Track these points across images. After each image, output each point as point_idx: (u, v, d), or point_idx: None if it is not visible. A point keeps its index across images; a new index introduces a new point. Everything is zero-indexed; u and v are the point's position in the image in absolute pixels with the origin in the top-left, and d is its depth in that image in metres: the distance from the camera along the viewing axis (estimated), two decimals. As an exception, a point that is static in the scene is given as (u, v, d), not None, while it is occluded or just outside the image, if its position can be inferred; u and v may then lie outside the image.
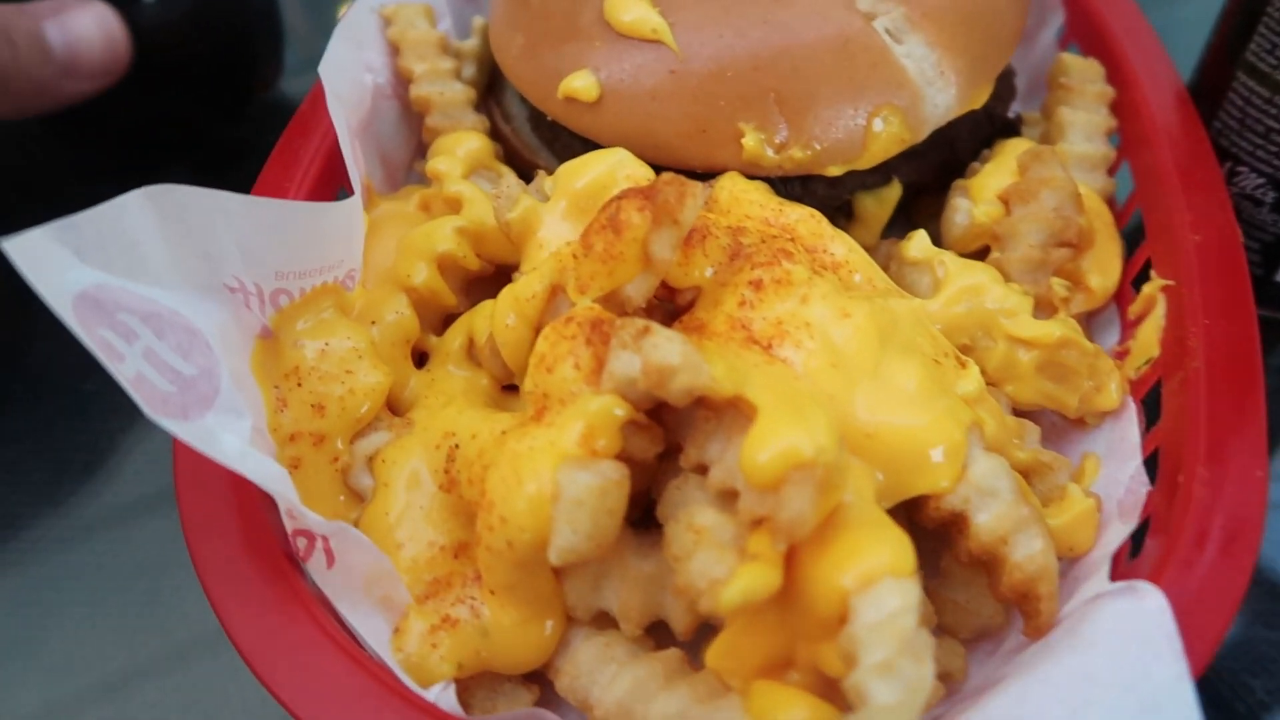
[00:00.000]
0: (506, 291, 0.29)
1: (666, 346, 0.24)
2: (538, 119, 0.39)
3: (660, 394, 0.24)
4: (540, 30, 0.35)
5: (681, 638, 0.26)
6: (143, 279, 0.24)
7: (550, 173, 0.38)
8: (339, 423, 0.27)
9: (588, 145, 0.36)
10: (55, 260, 0.21)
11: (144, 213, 0.24)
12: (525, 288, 0.29)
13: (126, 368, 0.22)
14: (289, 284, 0.28)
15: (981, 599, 0.27)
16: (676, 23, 0.32)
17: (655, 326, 0.25)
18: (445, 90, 0.37)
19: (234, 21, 0.41)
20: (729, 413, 0.25)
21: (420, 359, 0.32)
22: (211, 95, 0.39)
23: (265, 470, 0.23)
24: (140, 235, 0.24)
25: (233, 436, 0.23)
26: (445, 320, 0.33)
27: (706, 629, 0.26)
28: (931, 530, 0.27)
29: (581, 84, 0.33)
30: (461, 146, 0.36)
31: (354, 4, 0.37)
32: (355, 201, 0.29)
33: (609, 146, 0.34)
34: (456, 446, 0.27)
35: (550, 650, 0.26)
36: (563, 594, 0.25)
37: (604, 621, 0.26)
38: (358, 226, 0.30)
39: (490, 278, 0.33)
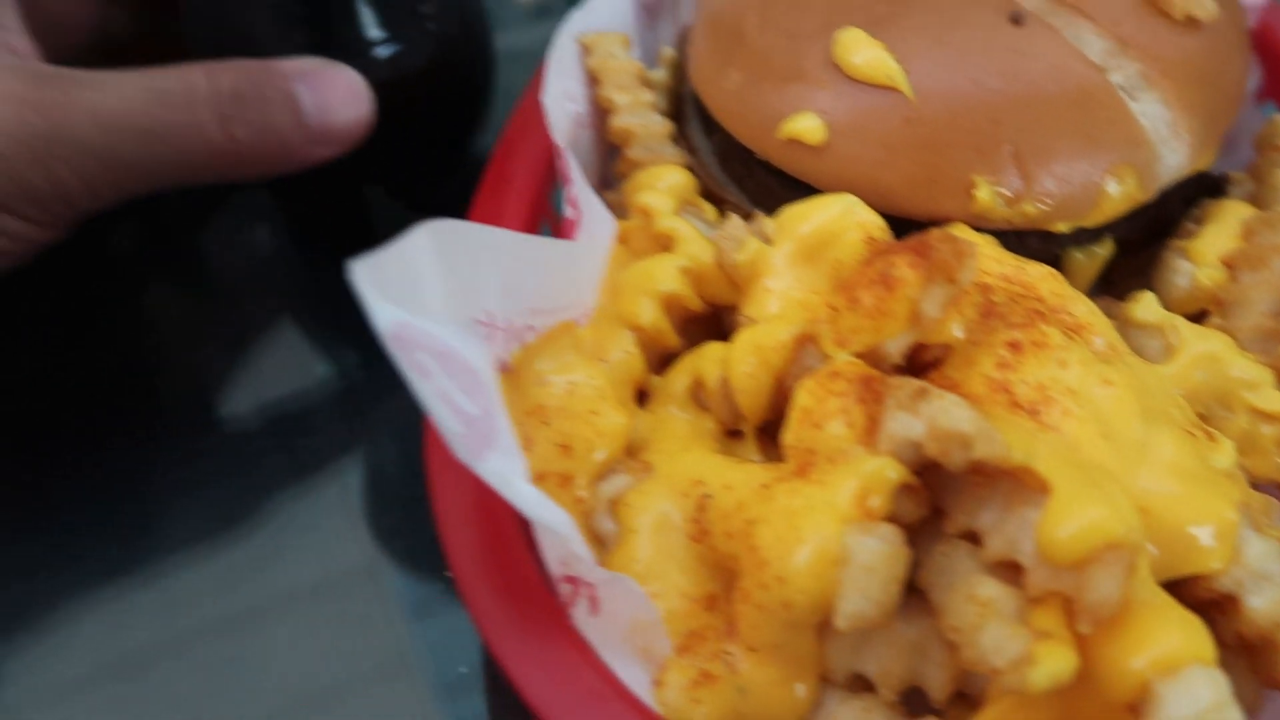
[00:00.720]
0: (746, 338, 0.29)
1: (955, 413, 0.23)
2: (728, 154, 0.38)
3: (943, 460, 0.23)
4: (760, 68, 0.34)
5: (937, 705, 0.25)
6: (427, 315, 0.23)
7: (738, 208, 0.38)
8: (583, 464, 0.27)
9: (786, 184, 0.36)
10: (373, 296, 0.21)
11: (427, 248, 0.24)
12: (768, 336, 0.28)
13: (431, 407, 0.21)
14: (537, 320, 0.28)
15: (1241, 680, 0.26)
16: (911, 69, 0.32)
17: (931, 388, 0.24)
18: (647, 123, 0.37)
19: (467, 73, 0.41)
20: (1006, 481, 0.24)
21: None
22: (433, 151, 0.39)
23: (557, 517, 0.22)
24: (423, 271, 0.24)
25: (521, 482, 0.23)
26: (660, 359, 0.32)
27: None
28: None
29: (806, 126, 0.33)
30: (663, 180, 0.36)
31: (561, 30, 0.37)
32: (607, 242, 0.29)
33: (826, 190, 0.33)
34: (708, 496, 0.26)
35: (805, 711, 0.25)
36: (822, 655, 0.25)
37: (857, 684, 0.26)
38: (603, 267, 0.30)
39: (704, 317, 0.33)
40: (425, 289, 0.24)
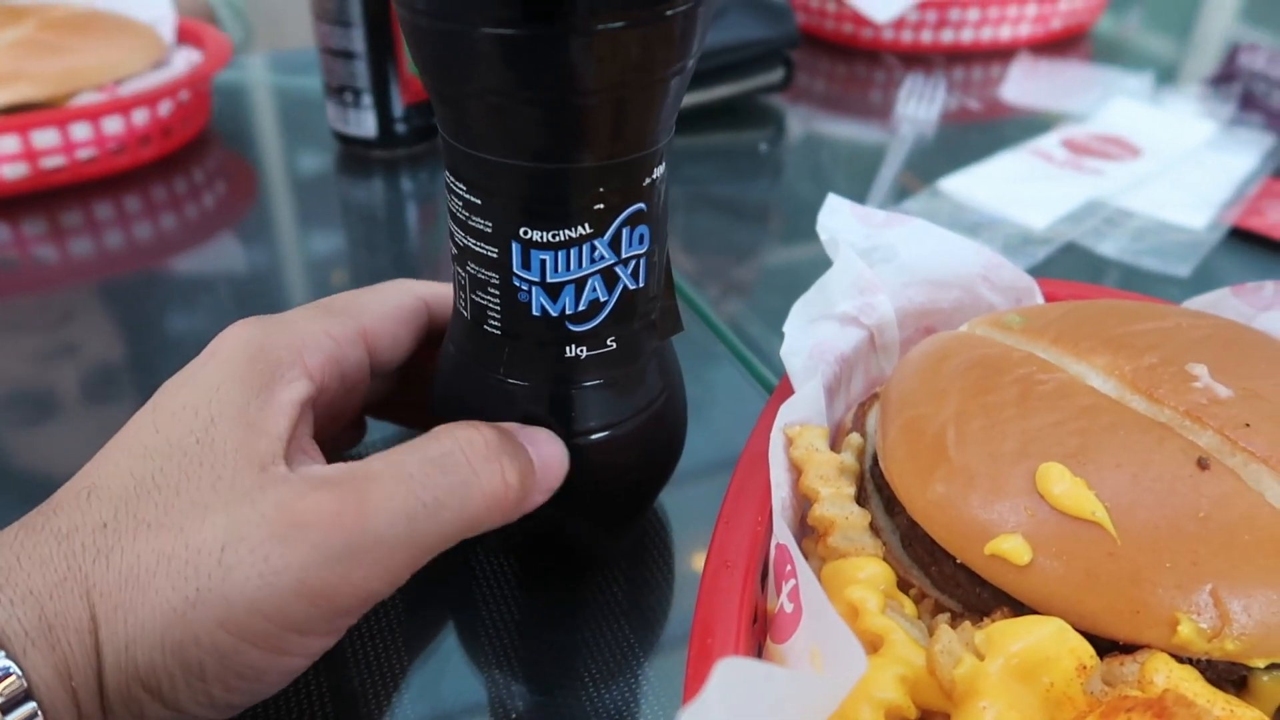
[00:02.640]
0: (975, 764, 0.31)
1: None
2: (911, 537, 0.42)
3: None
4: (963, 483, 0.38)
5: None
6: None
7: (924, 594, 0.41)
8: None
9: (975, 580, 0.38)
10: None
11: (719, 686, 0.27)
12: (1001, 767, 0.30)
13: None
14: (790, 738, 0.30)
15: None
16: (1111, 506, 0.35)
17: None
18: (847, 513, 0.40)
19: (668, 440, 0.44)
20: None
21: (851, 800, 0.33)
22: (627, 505, 0.42)
23: None
24: (714, 708, 0.26)
25: None
26: (877, 763, 0.34)
27: None
28: None
29: (1010, 547, 0.36)
30: (864, 571, 0.39)
31: (775, 424, 0.42)
32: (854, 678, 0.31)
33: (1029, 604, 0.36)
34: None
35: None
36: None
37: None
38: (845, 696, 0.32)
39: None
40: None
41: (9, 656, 0.29)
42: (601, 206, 0.37)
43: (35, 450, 0.57)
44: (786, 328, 0.48)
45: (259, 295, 0.73)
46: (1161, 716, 0.28)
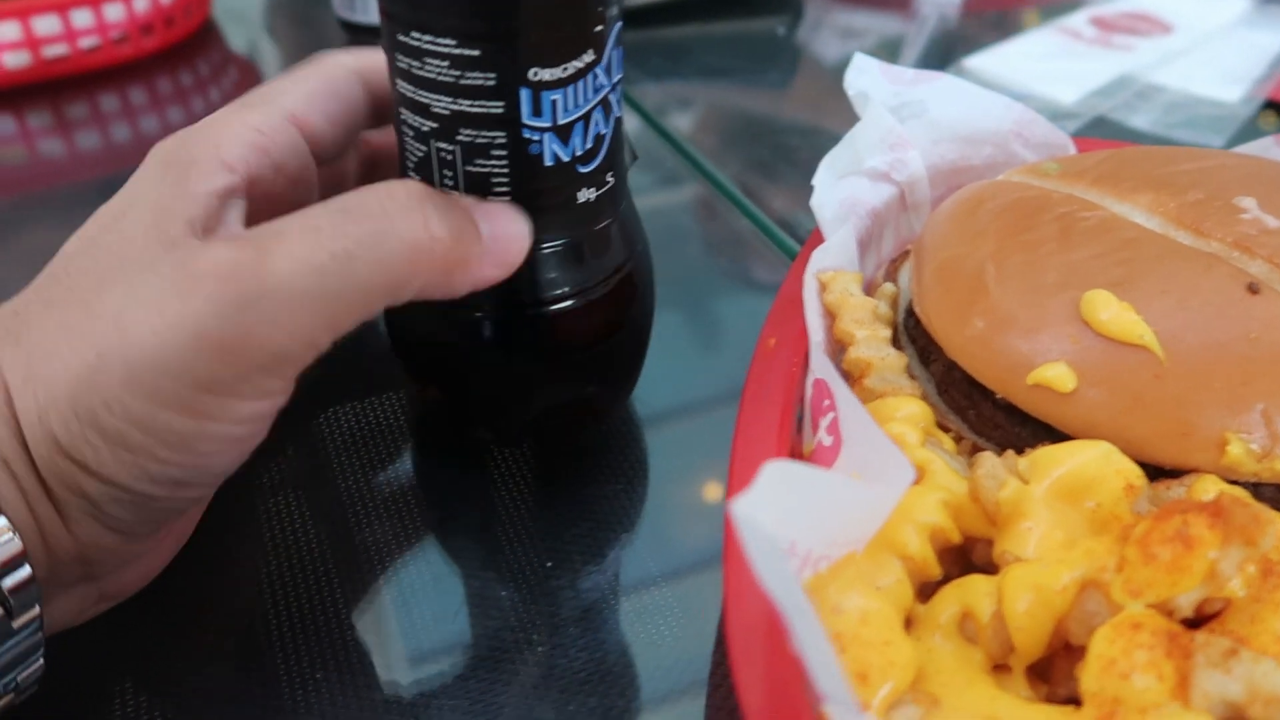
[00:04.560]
0: (1022, 577, 0.30)
1: (1275, 675, 0.24)
2: (947, 384, 0.41)
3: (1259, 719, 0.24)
4: (1004, 318, 0.37)
5: None
6: (779, 557, 0.25)
7: (960, 437, 0.40)
8: (873, 694, 0.28)
9: (1015, 420, 0.38)
10: (753, 537, 0.23)
11: (767, 486, 0.26)
12: (1050, 578, 0.30)
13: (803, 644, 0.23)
14: (832, 551, 0.30)
15: None
16: (1158, 330, 0.34)
17: (1240, 648, 0.26)
18: (883, 355, 0.40)
19: (637, 335, 0.44)
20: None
21: (893, 623, 0.33)
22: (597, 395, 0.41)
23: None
24: (760, 494, 0.26)
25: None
26: (920, 588, 0.34)
27: None
28: None
29: (1055, 374, 0.35)
30: (902, 410, 0.38)
31: (807, 269, 0.41)
32: (903, 488, 0.30)
33: (1073, 434, 0.35)
34: (1004, 736, 0.27)
35: None
36: None
37: None
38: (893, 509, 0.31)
39: (954, 547, 0.35)
40: (761, 521, 0.26)
41: None
42: (601, 28, 0.36)
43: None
44: (815, 181, 0.47)
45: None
46: (1218, 516, 0.27)
